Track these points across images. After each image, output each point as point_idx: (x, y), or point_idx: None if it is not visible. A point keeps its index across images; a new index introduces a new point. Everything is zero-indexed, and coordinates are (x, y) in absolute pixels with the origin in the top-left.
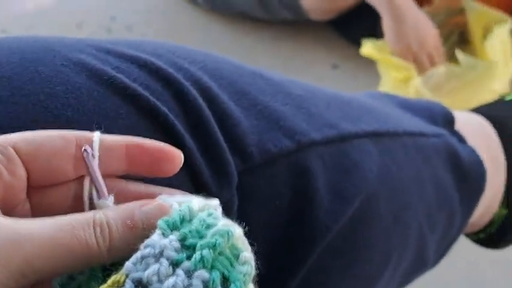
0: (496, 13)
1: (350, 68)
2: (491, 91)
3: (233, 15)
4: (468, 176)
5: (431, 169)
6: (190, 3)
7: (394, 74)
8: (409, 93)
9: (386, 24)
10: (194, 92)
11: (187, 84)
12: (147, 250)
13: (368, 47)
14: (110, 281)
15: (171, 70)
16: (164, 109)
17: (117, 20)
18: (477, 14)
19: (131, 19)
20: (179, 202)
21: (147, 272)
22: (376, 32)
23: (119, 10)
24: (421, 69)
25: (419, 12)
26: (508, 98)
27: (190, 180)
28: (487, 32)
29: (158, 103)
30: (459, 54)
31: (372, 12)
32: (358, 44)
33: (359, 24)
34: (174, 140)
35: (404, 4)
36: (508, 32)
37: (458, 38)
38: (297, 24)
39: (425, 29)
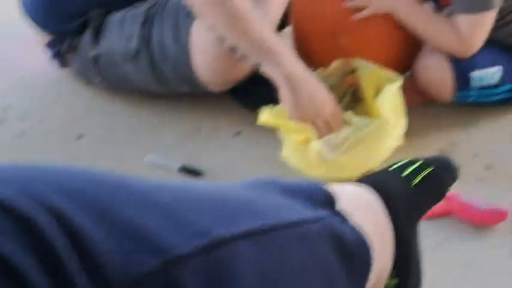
0: (386, 72)
1: (252, 134)
2: (386, 148)
3: (132, 92)
4: (353, 255)
5: (315, 255)
6: (87, 84)
7: (295, 137)
8: (310, 154)
9: (283, 95)
10: (45, 222)
11: (37, 212)
12: None
13: (265, 116)
14: None
15: (20, 200)
16: (9, 247)
17: (11, 108)
18: (369, 73)
19: (26, 106)
20: None
21: None
22: (273, 99)
23: (13, 97)
24: (319, 135)
25: (314, 81)
26: (394, 167)
27: None
28: (378, 90)
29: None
30: (351, 116)
31: (268, 80)
32: (257, 111)
33: (256, 92)
34: (19, 282)
35: (299, 75)
36: (398, 90)
37: (352, 97)
38: (199, 94)
39: (322, 98)
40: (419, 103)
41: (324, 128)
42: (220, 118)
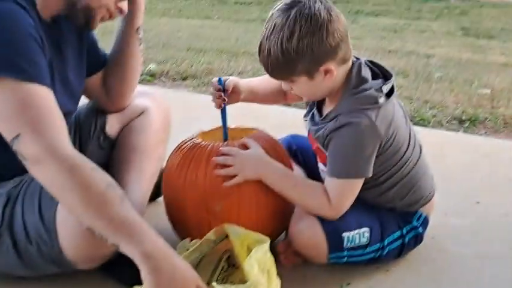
0: (255, 235)
1: None
2: None
3: None
4: None
5: None
6: None
7: None
8: None
9: (143, 275)
10: None
11: None
12: None
13: None
14: None
15: None
16: None
17: None
18: (239, 238)
19: None
20: None
21: None
22: None
23: None
24: None
25: (176, 260)
26: None
27: None
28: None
29: None
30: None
31: None
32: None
33: (128, 268)
34: None
35: (159, 254)
36: (266, 251)
37: (228, 263)
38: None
39: (183, 278)
40: (297, 263)
41: None
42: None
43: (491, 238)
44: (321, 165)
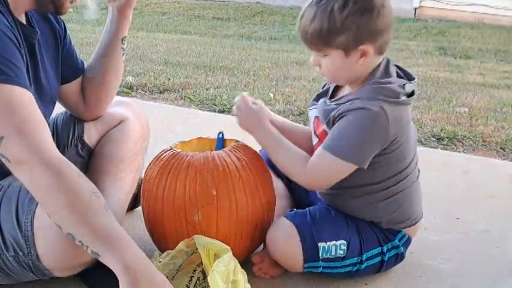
0: (218, 244)
1: None
2: None
3: None
4: None
5: None
6: None
7: None
8: None
9: (121, 285)
10: None
11: None
12: None
13: None
14: None
15: None
16: None
17: None
18: (205, 247)
19: None
20: None
21: None
22: None
23: None
24: None
25: (154, 272)
26: None
27: None
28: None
29: None
30: None
31: None
32: None
33: (106, 276)
34: None
35: (139, 267)
36: (228, 263)
37: (202, 273)
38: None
39: None
40: (274, 275)
41: None
42: None
43: (471, 254)
44: None
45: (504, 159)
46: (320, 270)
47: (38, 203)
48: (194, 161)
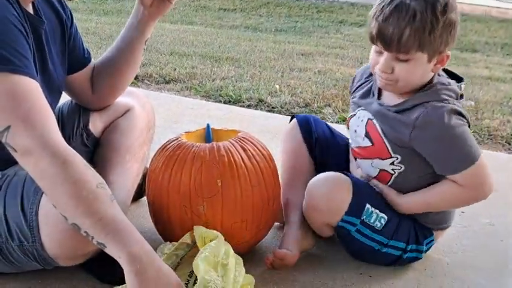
0: (211, 232)
1: None
2: None
3: None
4: None
5: None
6: None
7: None
8: None
9: (127, 277)
10: None
11: None
12: None
13: None
14: None
15: None
16: None
17: None
18: (201, 236)
19: None
20: None
21: None
22: None
23: None
24: None
25: (160, 263)
26: None
27: None
28: None
29: None
30: None
31: None
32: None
33: (109, 266)
34: None
35: (145, 257)
36: (215, 246)
37: None
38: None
39: (168, 281)
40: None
41: None
42: None
43: (475, 247)
44: (360, 162)
45: (510, 153)
46: (354, 229)
47: (43, 193)
48: (200, 151)
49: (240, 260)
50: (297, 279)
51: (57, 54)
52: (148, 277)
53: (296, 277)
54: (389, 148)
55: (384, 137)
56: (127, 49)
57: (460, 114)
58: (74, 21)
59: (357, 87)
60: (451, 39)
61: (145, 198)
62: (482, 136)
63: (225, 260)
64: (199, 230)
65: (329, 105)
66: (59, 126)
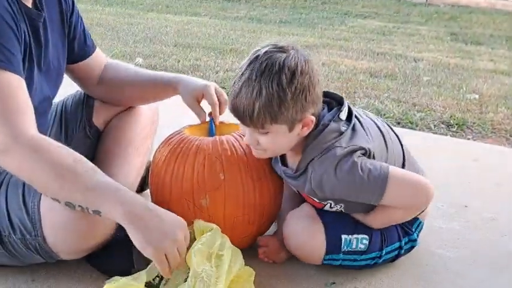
0: (208, 225)
1: None
2: None
3: None
4: None
5: None
6: None
7: None
8: None
9: (130, 234)
10: None
11: None
12: None
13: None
14: None
15: None
16: None
17: None
18: (199, 229)
19: None
20: None
21: None
22: (131, 265)
23: None
24: (173, 263)
25: (160, 209)
26: None
27: None
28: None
29: None
30: None
31: (123, 248)
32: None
33: (112, 259)
34: None
35: (142, 210)
36: (210, 238)
37: None
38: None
39: (173, 222)
40: (280, 261)
41: (177, 255)
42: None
43: (478, 242)
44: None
45: None
46: (339, 263)
47: None
48: (203, 145)
49: (238, 251)
50: (302, 275)
51: (56, 43)
52: (148, 226)
53: (300, 274)
54: (317, 200)
55: (305, 194)
56: (161, 90)
57: (345, 149)
58: (76, 10)
59: None
60: (308, 104)
61: (148, 191)
62: (486, 130)
63: (220, 251)
64: (198, 224)
65: None
66: (62, 119)
